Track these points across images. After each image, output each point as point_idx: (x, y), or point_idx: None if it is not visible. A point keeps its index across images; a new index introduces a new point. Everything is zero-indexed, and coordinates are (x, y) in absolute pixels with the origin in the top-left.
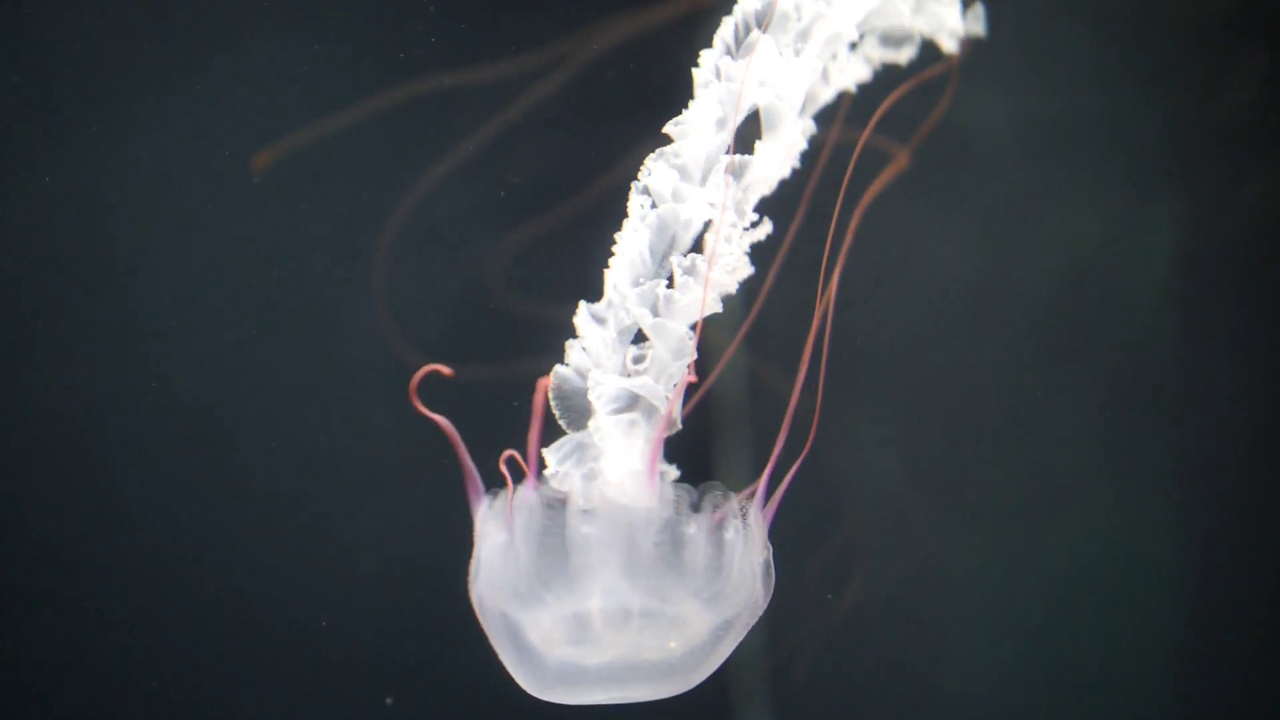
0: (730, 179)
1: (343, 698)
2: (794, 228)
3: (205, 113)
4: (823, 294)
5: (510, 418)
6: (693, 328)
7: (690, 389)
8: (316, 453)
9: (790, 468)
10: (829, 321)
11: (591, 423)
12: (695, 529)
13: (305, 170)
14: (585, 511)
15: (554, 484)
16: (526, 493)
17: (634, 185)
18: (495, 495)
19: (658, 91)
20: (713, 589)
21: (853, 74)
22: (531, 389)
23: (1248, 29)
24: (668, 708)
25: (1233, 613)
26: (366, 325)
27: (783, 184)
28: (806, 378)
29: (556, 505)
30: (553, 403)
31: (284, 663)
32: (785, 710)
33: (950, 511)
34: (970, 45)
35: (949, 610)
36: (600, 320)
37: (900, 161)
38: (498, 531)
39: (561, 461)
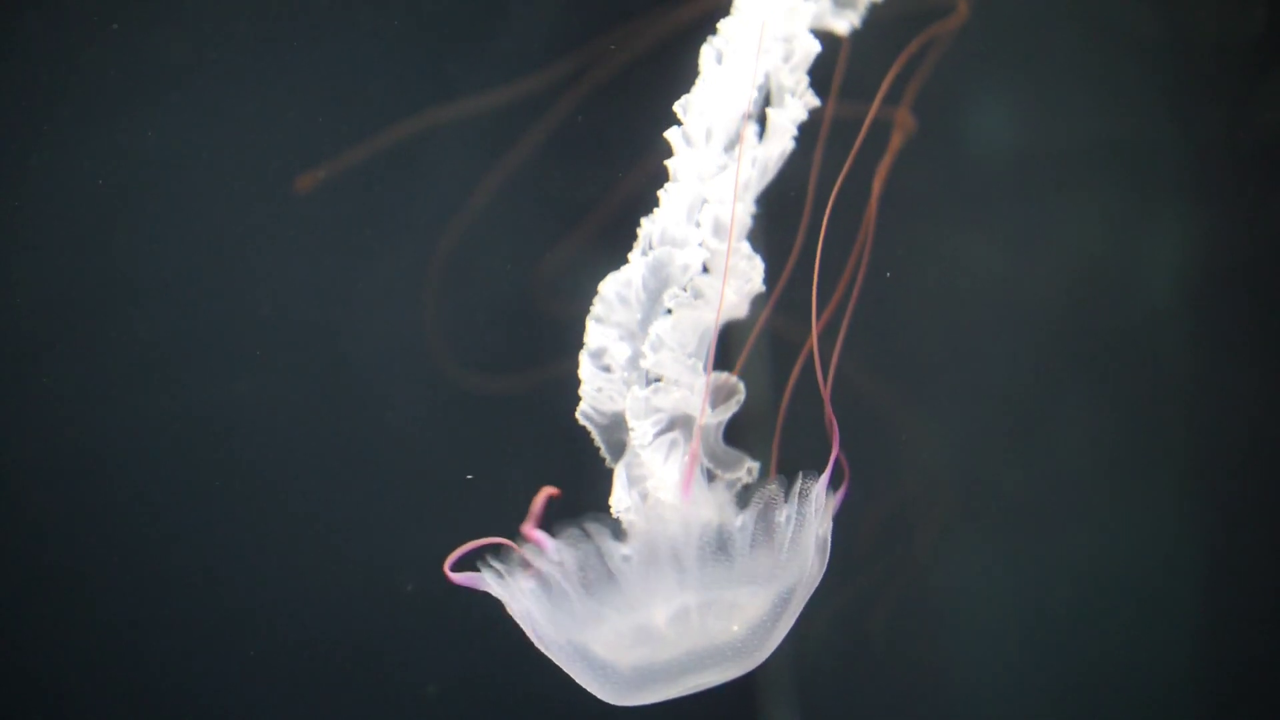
0: (737, 196)
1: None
2: (803, 224)
3: (251, 130)
4: (844, 298)
5: (550, 424)
6: (708, 340)
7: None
8: (355, 465)
9: (811, 469)
10: (849, 325)
11: (629, 448)
12: (742, 522)
13: (339, 190)
14: (622, 536)
15: (622, 517)
16: (544, 541)
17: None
18: (501, 556)
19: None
20: (766, 569)
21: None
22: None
23: (1274, 53)
24: (695, 700)
25: (1249, 612)
26: (407, 340)
27: (805, 185)
28: (831, 380)
29: (584, 541)
30: (595, 438)
31: (319, 679)
32: (808, 705)
33: (970, 510)
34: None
35: (965, 609)
36: (604, 368)
37: (904, 123)
38: (526, 580)
39: (620, 496)
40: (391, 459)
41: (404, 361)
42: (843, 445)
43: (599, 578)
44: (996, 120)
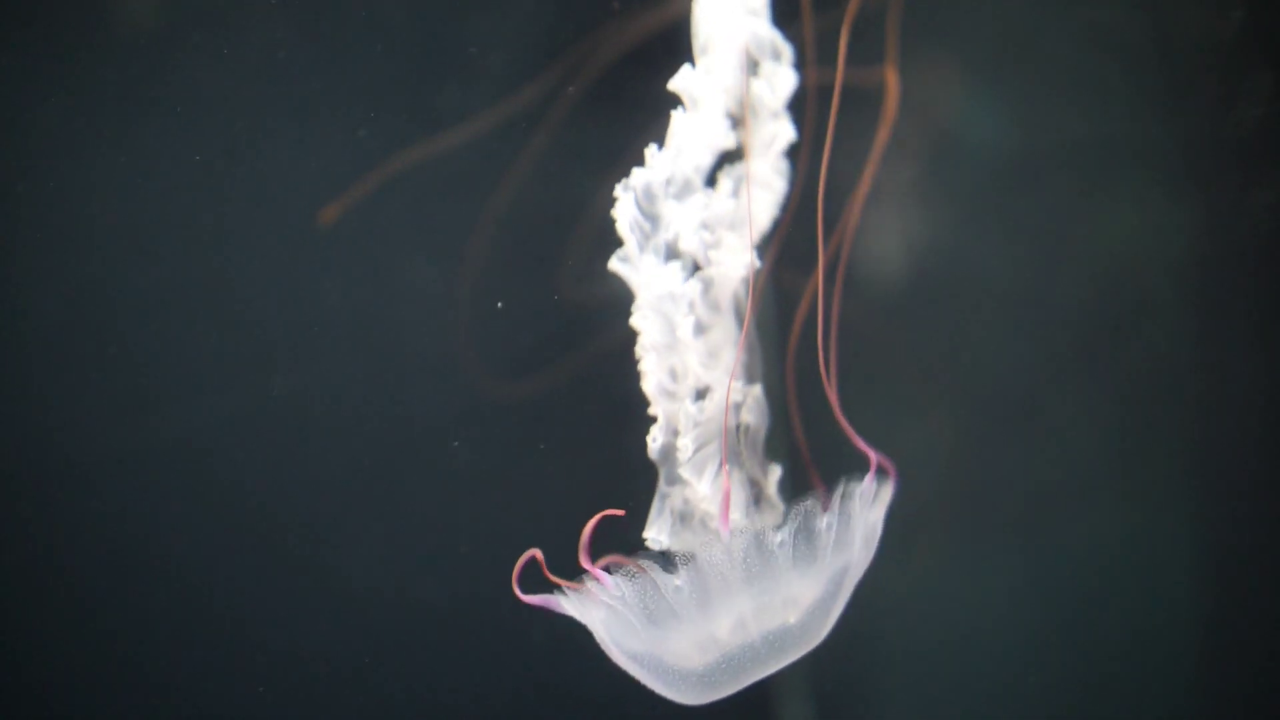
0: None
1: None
2: (785, 220)
3: (270, 159)
4: (841, 293)
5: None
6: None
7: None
8: (387, 480)
9: (820, 464)
10: (838, 320)
11: (671, 461)
12: (783, 537)
13: (360, 217)
14: (673, 566)
15: (658, 536)
16: (605, 576)
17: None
18: (573, 587)
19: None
20: (815, 570)
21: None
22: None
23: (1254, 52)
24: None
25: (1250, 609)
26: (436, 352)
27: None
28: (840, 374)
29: (641, 574)
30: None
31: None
32: (820, 701)
33: (977, 504)
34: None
35: (968, 603)
36: (669, 395)
37: (891, 86)
38: (596, 608)
39: (659, 518)
40: (427, 466)
41: (435, 372)
42: (837, 442)
43: (657, 607)
44: (989, 120)
